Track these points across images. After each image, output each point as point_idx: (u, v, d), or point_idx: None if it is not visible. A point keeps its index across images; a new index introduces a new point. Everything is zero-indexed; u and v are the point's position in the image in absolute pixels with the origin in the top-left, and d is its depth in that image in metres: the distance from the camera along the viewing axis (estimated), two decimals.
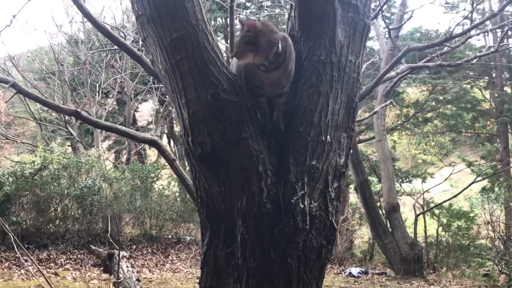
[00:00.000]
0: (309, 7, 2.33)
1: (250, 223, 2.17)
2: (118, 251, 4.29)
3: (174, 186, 13.20)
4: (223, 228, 2.26)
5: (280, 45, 2.20)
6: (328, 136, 2.27)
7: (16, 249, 4.14)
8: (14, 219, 9.63)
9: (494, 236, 10.85)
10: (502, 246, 10.66)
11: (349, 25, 2.41)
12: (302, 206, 2.16)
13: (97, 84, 14.65)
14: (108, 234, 8.68)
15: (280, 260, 2.17)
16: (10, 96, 5.30)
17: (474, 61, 8.24)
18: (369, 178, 13.07)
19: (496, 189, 12.55)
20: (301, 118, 2.28)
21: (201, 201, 2.35)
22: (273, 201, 2.19)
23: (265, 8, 14.20)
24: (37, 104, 14.58)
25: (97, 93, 14.78)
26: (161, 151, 4.22)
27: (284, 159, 2.25)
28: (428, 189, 13.32)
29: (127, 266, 4.32)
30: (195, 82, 2.22)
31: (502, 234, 10.78)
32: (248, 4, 18.05)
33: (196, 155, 2.25)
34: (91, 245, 5.06)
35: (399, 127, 17.28)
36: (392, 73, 6.46)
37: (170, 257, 11.66)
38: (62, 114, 13.26)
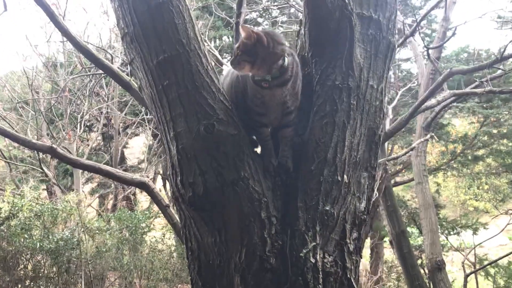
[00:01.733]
0: (322, 23, 2.39)
1: (250, 282, 2.17)
2: None
3: (169, 239, 13.13)
4: (217, 287, 2.26)
5: (287, 59, 2.26)
6: (345, 176, 2.29)
7: None
8: None
9: None
10: None
11: (370, 44, 2.45)
12: (313, 260, 2.16)
13: (79, 115, 14.82)
14: None
15: None
16: None
17: None
18: (408, 229, 12.95)
19: None
20: (313, 154, 2.31)
21: (191, 255, 2.36)
22: (278, 254, 2.19)
23: (279, 24, 14.43)
24: (6, 139, 14.77)
25: (78, 126, 14.94)
26: (152, 196, 4.25)
27: (292, 203, 2.27)
28: (481, 243, 13.13)
29: None
30: (185, 112, 2.26)
31: None
32: (260, 20, 18.37)
33: (186, 198, 2.28)
34: None
35: (444, 167, 17.17)
36: (433, 101, 6.51)
37: None
38: (36, 152, 13.38)
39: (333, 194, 2.26)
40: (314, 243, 2.18)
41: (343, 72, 2.37)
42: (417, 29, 6.50)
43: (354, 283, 2.28)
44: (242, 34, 2.24)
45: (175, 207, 2.49)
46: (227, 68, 2.72)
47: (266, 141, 2.38)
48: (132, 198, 18.38)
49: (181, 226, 2.45)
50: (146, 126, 16.14)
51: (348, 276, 2.25)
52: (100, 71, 6.59)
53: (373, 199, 2.47)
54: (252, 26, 2.22)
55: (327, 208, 2.24)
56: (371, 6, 2.47)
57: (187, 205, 2.30)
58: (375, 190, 2.49)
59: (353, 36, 2.37)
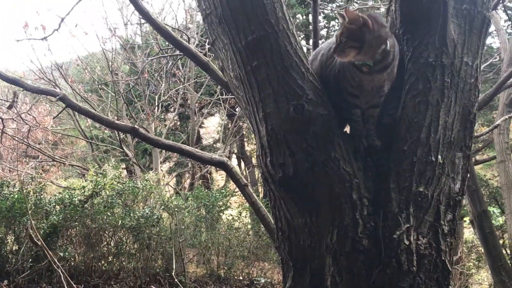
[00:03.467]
0: None
1: (342, 263, 2.16)
2: None
3: (245, 217, 13.26)
4: (309, 268, 2.26)
5: (389, 42, 2.21)
6: (440, 156, 2.23)
7: None
8: (62, 254, 9.80)
9: None
10: None
11: (464, 19, 2.37)
12: (407, 242, 2.12)
13: (156, 96, 15.14)
14: (172, 274, 8.82)
15: None
16: (59, 112, 5.57)
17: None
18: (489, 209, 12.56)
19: None
20: (405, 134, 2.26)
21: (282, 235, 2.36)
22: (371, 236, 2.16)
23: (354, 1, 14.19)
24: (88, 120, 15.25)
25: (156, 107, 15.25)
26: (231, 175, 4.27)
27: (384, 184, 2.23)
28: None
29: None
30: (274, 92, 2.25)
31: None
32: None
33: (276, 179, 2.28)
34: (152, 286, 5.19)
35: None
36: None
37: None
38: (116, 132, 13.74)
39: (427, 175, 2.20)
40: (408, 225, 2.14)
41: (436, 49, 2.30)
42: (500, 1, 6.25)
43: (448, 266, 2.22)
44: (346, 18, 2.18)
45: (263, 187, 2.50)
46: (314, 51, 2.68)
47: (357, 122, 2.34)
48: (208, 177, 18.67)
49: (271, 207, 2.45)
50: (221, 106, 16.29)
51: (443, 258, 2.20)
52: (178, 53, 6.65)
53: (466, 180, 2.40)
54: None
55: (421, 189, 2.18)
56: None
57: (277, 185, 2.29)
58: (468, 170, 2.40)
59: (446, 11, 2.28)
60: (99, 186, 10.73)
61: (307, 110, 2.22)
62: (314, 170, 2.21)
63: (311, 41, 4.66)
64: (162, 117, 18.17)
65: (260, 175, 2.50)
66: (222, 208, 12.78)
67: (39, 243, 6.44)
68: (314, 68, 2.47)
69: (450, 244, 2.25)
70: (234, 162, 22.89)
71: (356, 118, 2.34)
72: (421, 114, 2.25)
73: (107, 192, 10.85)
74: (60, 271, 4.09)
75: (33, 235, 6.57)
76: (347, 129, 2.46)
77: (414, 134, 2.24)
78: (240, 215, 13.14)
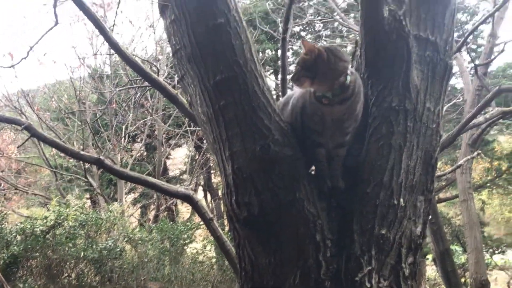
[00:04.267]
0: (379, 45, 2.38)
1: None
2: None
3: (210, 251, 13.16)
4: None
5: (349, 76, 2.25)
6: (402, 200, 2.26)
7: None
8: (21, 285, 9.69)
9: None
10: None
11: (427, 66, 2.43)
12: (368, 285, 2.13)
13: (123, 127, 15.06)
14: None
15: None
16: (23, 141, 5.50)
17: None
18: (452, 247, 12.71)
19: None
20: (369, 176, 2.29)
21: (245, 275, 2.36)
22: (333, 278, 2.17)
23: (323, 38, 14.42)
24: (53, 149, 15.04)
25: (123, 137, 15.16)
26: (196, 208, 4.26)
27: (347, 226, 2.25)
28: None
29: None
30: (242, 132, 2.28)
31: None
32: (303, 33, 18.38)
33: (241, 218, 2.28)
34: None
35: (489, 184, 16.85)
36: (480, 119, 6.39)
37: None
38: (82, 162, 13.58)
39: (389, 217, 2.23)
40: (370, 267, 2.16)
41: (399, 94, 2.35)
42: (464, 45, 6.42)
43: None
44: (303, 49, 2.24)
45: (228, 226, 2.50)
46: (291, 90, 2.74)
47: (321, 162, 2.36)
48: (173, 209, 18.51)
49: (235, 246, 2.45)
50: (188, 137, 16.27)
51: None
52: (146, 83, 6.65)
53: (427, 223, 2.44)
54: (312, 42, 2.21)
55: (383, 232, 2.21)
56: (428, 28, 2.45)
57: (241, 224, 2.30)
58: (430, 213, 2.45)
59: (410, 58, 2.35)
60: (62, 217, 10.59)
61: (273, 150, 2.24)
62: (280, 210, 2.22)
63: (280, 77, 4.71)
64: (129, 147, 18.03)
65: (225, 213, 2.49)
66: (187, 241, 12.68)
67: None
68: (285, 112, 2.51)
69: (411, 287, 2.27)
70: (200, 194, 22.76)
71: (321, 158, 2.36)
72: (384, 157, 2.29)
73: (70, 222, 10.72)
74: None
75: None
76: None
77: (377, 176, 2.27)
78: (205, 248, 13.05)
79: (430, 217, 2.52)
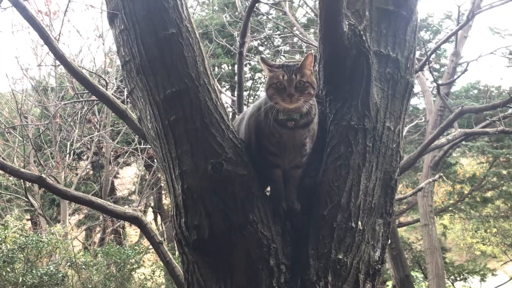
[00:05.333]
0: (338, 60, 2.40)
1: None
2: None
3: (159, 276, 13.00)
4: None
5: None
6: (360, 223, 2.28)
7: None
8: None
9: None
10: None
11: (387, 83, 2.46)
12: None
13: (68, 143, 14.81)
14: None
15: None
16: None
17: None
18: (412, 273, 12.86)
19: None
20: (325, 198, 2.30)
21: None
22: None
23: (282, 54, 14.55)
24: None
25: (67, 154, 14.91)
26: (145, 231, 4.21)
27: (303, 250, 2.25)
28: None
29: None
30: (192, 149, 2.26)
31: None
32: (261, 48, 18.52)
33: (190, 241, 2.26)
34: None
35: (450, 208, 17.16)
36: (443, 140, 6.52)
37: None
38: (22, 180, 13.29)
39: (346, 241, 2.24)
40: None
41: (359, 112, 2.38)
42: (426, 63, 6.56)
43: None
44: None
45: (177, 249, 2.46)
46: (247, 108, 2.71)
47: (278, 183, 2.36)
48: (121, 232, 18.27)
49: (183, 271, 2.42)
50: (138, 156, 16.10)
51: None
52: (94, 97, 6.56)
53: (386, 247, 2.45)
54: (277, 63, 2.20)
55: (340, 257, 2.21)
56: (389, 44, 2.49)
57: (191, 248, 2.27)
58: (389, 237, 2.46)
59: (370, 75, 2.38)
60: (0, 239, 10.34)
61: (226, 169, 2.23)
62: (231, 233, 2.20)
63: (236, 93, 4.73)
64: (74, 165, 17.74)
65: (174, 236, 2.46)
66: (135, 266, 12.49)
67: None
68: (240, 130, 2.50)
69: None
70: (150, 216, 22.53)
71: (277, 178, 2.36)
72: (342, 178, 2.31)
73: (8, 245, 10.44)
74: None
75: None
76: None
77: (334, 198, 2.28)
78: (154, 274, 12.87)
79: (389, 241, 2.54)
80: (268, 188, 2.45)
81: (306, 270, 2.19)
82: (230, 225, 2.20)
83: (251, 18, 4.70)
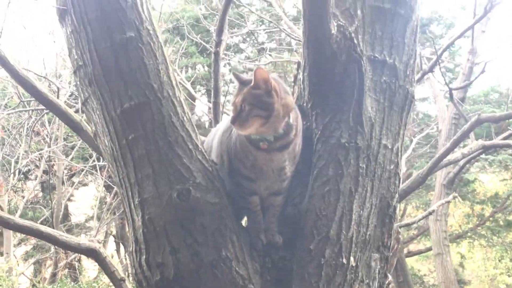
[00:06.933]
0: (325, 67, 2.43)
1: None
2: None
3: None
4: None
5: (291, 114, 2.28)
6: (352, 258, 2.31)
7: None
8: None
9: None
10: None
11: (383, 94, 2.50)
12: None
13: (13, 160, 14.77)
14: None
15: None
16: None
17: None
18: None
19: None
20: (312, 229, 2.33)
21: None
22: None
23: (267, 52, 14.61)
24: None
25: (12, 174, 14.86)
26: (104, 266, 4.20)
27: None
28: None
29: None
30: (155, 173, 2.28)
31: None
32: (242, 45, 18.55)
33: (153, 283, 2.28)
34: None
35: (469, 234, 17.24)
36: (457, 154, 6.57)
37: None
38: None
39: (336, 280, 2.27)
40: None
41: (350, 128, 2.41)
42: (438, 63, 6.61)
43: None
44: (254, 80, 2.19)
45: None
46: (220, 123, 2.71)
47: (255, 212, 2.39)
48: (76, 266, 18.16)
49: None
50: (97, 174, 16.04)
51: None
52: (43, 107, 6.55)
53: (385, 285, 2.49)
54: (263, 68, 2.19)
55: None
56: (385, 48, 2.53)
57: None
58: (388, 275, 2.50)
59: (362, 84, 2.41)
60: None
61: (194, 197, 2.25)
62: (200, 273, 2.23)
63: (212, 99, 4.74)
64: (19, 186, 17.66)
65: (133, 276, 2.47)
66: None
67: None
68: (213, 147, 2.52)
69: None
70: (111, 246, 22.42)
71: (254, 207, 2.38)
72: (331, 205, 2.34)
73: None
74: None
75: None
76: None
77: (322, 230, 2.31)
78: None
79: (390, 278, 2.57)
80: (245, 219, 2.48)
81: None
82: (200, 262, 2.22)
83: (230, 10, 4.73)
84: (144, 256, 2.29)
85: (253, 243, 2.35)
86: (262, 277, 2.30)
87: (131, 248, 2.40)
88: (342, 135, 2.40)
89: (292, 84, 2.79)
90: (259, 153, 2.28)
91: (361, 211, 2.36)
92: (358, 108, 2.42)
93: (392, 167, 2.47)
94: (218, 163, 2.42)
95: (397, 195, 2.51)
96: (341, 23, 2.43)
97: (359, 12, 2.54)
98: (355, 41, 2.42)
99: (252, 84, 2.20)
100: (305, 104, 2.54)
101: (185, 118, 2.36)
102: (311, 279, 2.26)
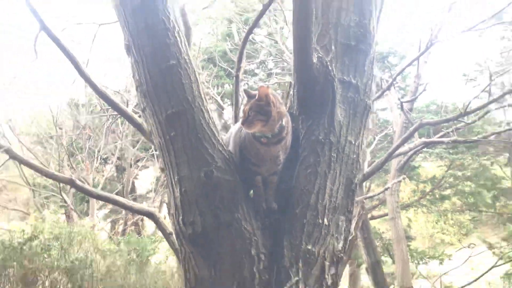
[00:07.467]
0: (308, 86, 2.44)
1: None
2: None
3: (171, 261, 12.97)
4: None
5: (284, 118, 2.29)
6: (325, 219, 2.31)
7: None
8: None
9: None
10: None
11: (349, 105, 2.50)
12: None
13: (96, 150, 14.83)
14: None
15: None
16: (3, 162, 5.38)
17: (492, 137, 8.31)
18: (382, 258, 12.85)
19: None
20: (298, 199, 2.33)
21: (189, 285, 2.36)
22: (266, 287, 2.19)
23: (274, 75, 14.57)
24: None
25: (95, 159, 14.93)
26: (158, 224, 4.22)
27: (279, 242, 2.28)
28: (446, 272, 13.03)
29: None
30: (188, 160, 2.29)
31: None
32: (257, 71, 18.52)
33: (186, 235, 2.29)
34: None
35: (415, 204, 17.14)
36: (405, 148, 6.53)
37: None
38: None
39: (314, 235, 2.27)
40: (297, 278, 2.19)
41: (325, 129, 2.41)
42: (393, 84, 6.59)
43: None
44: (258, 95, 2.22)
45: (176, 241, 2.49)
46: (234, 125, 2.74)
47: (258, 187, 2.39)
48: (139, 224, 18.22)
49: (181, 259, 2.45)
50: (154, 160, 16.10)
51: None
52: (117, 113, 6.57)
53: (349, 239, 2.48)
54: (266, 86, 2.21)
55: (309, 247, 2.25)
56: (350, 73, 2.53)
57: (187, 241, 2.30)
58: (351, 230, 2.49)
59: (334, 98, 2.41)
60: (38, 230, 10.34)
61: (216, 176, 2.26)
62: (220, 229, 2.24)
63: (233, 110, 4.73)
64: (101, 168, 17.70)
65: (173, 230, 2.49)
66: (151, 253, 12.49)
67: None
68: (230, 143, 2.53)
69: None
70: (165, 210, 22.45)
71: (258, 184, 2.39)
72: (311, 183, 2.34)
73: (45, 235, 10.47)
74: None
75: None
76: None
77: (304, 199, 2.31)
78: (167, 259, 12.85)
79: (353, 234, 2.57)
80: (251, 192, 2.48)
81: (281, 258, 2.22)
82: (219, 222, 2.24)
83: (247, 46, 4.71)
84: (180, 217, 2.31)
85: (257, 209, 2.35)
86: (262, 232, 2.30)
87: (172, 211, 2.41)
88: (320, 134, 2.40)
89: (286, 97, 2.78)
90: (261, 146, 2.30)
91: (332, 187, 2.36)
92: (331, 115, 2.41)
93: (354, 156, 2.46)
94: (233, 153, 2.43)
95: (358, 176, 2.50)
96: (320, 55, 2.43)
97: (333, 47, 2.53)
98: (330, 68, 2.42)
99: (256, 97, 2.23)
100: (294, 112, 2.54)
101: (210, 121, 2.37)
102: (297, 234, 2.26)
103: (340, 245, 2.36)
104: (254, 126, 2.24)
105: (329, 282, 2.28)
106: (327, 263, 2.28)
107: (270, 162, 2.35)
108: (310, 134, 2.42)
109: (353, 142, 2.47)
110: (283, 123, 2.27)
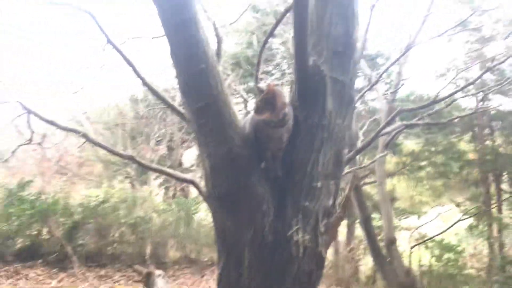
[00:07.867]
0: (305, 83, 2.45)
1: (255, 251, 2.25)
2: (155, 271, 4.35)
3: (210, 217, 13.13)
4: (234, 254, 2.34)
5: (287, 108, 2.32)
6: (319, 183, 2.35)
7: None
8: (81, 242, 9.88)
9: (479, 266, 10.45)
10: (485, 275, 10.27)
11: (337, 96, 2.50)
12: (296, 238, 2.23)
13: (152, 134, 15.02)
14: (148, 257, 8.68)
15: (278, 281, 2.23)
16: (81, 144, 5.55)
17: (457, 120, 8.20)
18: (373, 215, 12.83)
19: (480, 226, 12.17)
20: (298, 168, 2.37)
21: (218, 233, 2.44)
22: (274, 234, 2.26)
23: (287, 74, 14.47)
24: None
25: (151, 141, 15.13)
26: (198, 189, 4.29)
27: (284, 200, 2.33)
28: (422, 225, 12.99)
29: (163, 283, 4.39)
30: (214, 140, 2.34)
31: (485, 265, 10.38)
32: (274, 71, 18.39)
33: (216, 196, 2.36)
34: (135, 265, 5.15)
35: (398, 173, 17.02)
36: (389, 129, 6.49)
37: (205, 277, 11.56)
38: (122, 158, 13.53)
39: (310, 195, 2.31)
40: (297, 226, 2.25)
41: (319, 115, 2.42)
42: (380, 79, 6.55)
43: (323, 253, 2.33)
44: (266, 91, 2.27)
45: (208, 200, 2.56)
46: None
47: (268, 160, 2.42)
48: (185, 189, 18.43)
49: (212, 213, 2.52)
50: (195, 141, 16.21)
51: (320, 248, 2.32)
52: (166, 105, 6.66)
53: (338, 199, 2.52)
54: (271, 83, 2.25)
55: (307, 204, 2.30)
56: (338, 72, 2.52)
57: (216, 200, 2.38)
58: (340, 192, 2.53)
59: (325, 92, 2.43)
60: (109, 195, 10.64)
61: (236, 151, 2.31)
62: (239, 190, 2.30)
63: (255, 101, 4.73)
64: (155, 148, 17.93)
65: (206, 192, 2.56)
66: (195, 211, 12.73)
67: (58, 236, 6.28)
68: (246, 127, 2.56)
69: (324, 239, 2.36)
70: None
71: (268, 157, 2.42)
72: (308, 155, 2.36)
73: (115, 199, 10.77)
74: (74, 255, 4.04)
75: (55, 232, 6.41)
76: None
77: (303, 168, 2.35)
78: (207, 216, 13.04)
79: (340, 195, 2.60)
80: (263, 163, 2.52)
81: (285, 212, 2.29)
82: (239, 185, 2.30)
83: (266, 52, 4.69)
84: (210, 182, 2.37)
85: (267, 175, 2.39)
86: (272, 193, 2.35)
87: (204, 177, 2.48)
88: (314, 119, 2.42)
89: (289, 93, 2.80)
90: (269, 129, 2.33)
91: (324, 158, 2.39)
92: (323, 105, 2.43)
93: (341, 135, 2.48)
94: (250, 134, 2.47)
95: (345, 149, 2.52)
96: (315, 59, 2.45)
97: (324, 52, 2.53)
98: (322, 68, 2.43)
99: (265, 92, 2.28)
100: (295, 103, 2.55)
101: (231, 111, 2.39)
102: (297, 194, 2.31)
103: (330, 202, 2.40)
104: (264, 114, 2.29)
105: (322, 230, 2.34)
106: (320, 216, 2.34)
107: (276, 140, 2.39)
108: (307, 119, 2.43)
109: (340, 124, 2.49)
110: (286, 111, 2.30)
